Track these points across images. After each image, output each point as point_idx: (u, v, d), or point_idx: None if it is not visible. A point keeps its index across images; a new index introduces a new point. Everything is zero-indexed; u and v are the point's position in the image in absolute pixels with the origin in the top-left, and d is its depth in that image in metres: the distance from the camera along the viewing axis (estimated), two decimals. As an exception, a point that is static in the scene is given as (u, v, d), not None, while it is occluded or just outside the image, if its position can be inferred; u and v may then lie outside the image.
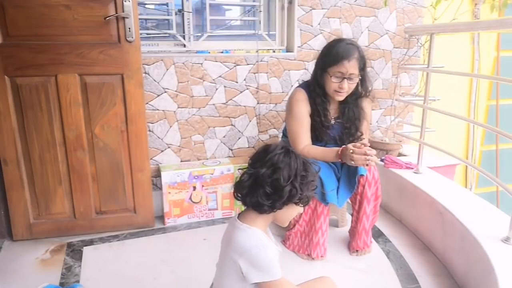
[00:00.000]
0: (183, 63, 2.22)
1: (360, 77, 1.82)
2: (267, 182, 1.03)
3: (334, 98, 1.87)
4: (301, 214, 1.85)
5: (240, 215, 1.13)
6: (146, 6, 2.29)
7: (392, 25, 2.60)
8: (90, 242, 2.02)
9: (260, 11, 2.41)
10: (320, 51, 1.90)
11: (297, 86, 1.98)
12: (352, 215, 1.93)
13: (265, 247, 1.05)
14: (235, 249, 1.07)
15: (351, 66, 1.76)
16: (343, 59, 1.76)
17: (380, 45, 2.61)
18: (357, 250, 1.92)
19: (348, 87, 1.80)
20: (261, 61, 2.36)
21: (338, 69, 1.77)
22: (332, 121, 1.94)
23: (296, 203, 1.09)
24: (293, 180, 1.04)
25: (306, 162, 1.10)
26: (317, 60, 1.90)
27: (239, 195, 1.10)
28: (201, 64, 2.25)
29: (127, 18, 1.86)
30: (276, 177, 1.03)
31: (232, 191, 1.12)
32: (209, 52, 2.31)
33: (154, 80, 2.20)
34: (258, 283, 1.06)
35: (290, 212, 1.12)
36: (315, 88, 1.88)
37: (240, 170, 1.15)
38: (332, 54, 1.79)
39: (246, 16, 2.52)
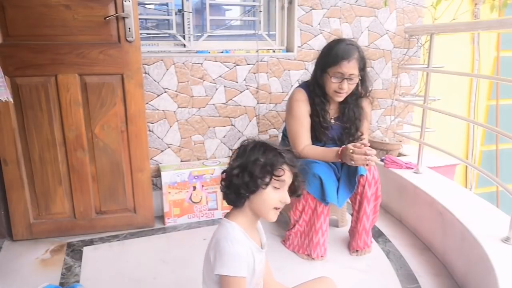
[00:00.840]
0: (183, 63, 2.22)
1: (360, 77, 1.82)
2: (224, 176, 1.11)
3: (333, 99, 1.87)
4: (301, 213, 1.85)
5: (227, 213, 1.17)
6: (146, 6, 2.29)
7: (392, 25, 2.60)
8: (90, 242, 2.02)
9: (260, 11, 2.41)
10: (320, 51, 1.90)
11: (297, 86, 1.98)
12: (352, 215, 1.93)
13: (234, 241, 1.05)
14: (211, 241, 1.12)
15: (351, 67, 1.76)
16: (343, 59, 1.75)
17: (380, 45, 2.61)
18: (357, 250, 1.92)
19: (348, 87, 1.80)
20: (261, 61, 2.36)
21: (338, 69, 1.77)
22: (332, 121, 1.94)
23: (256, 188, 1.07)
24: (243, 167, 1.07)
25: (268, 146, 1.11)
26: (317, 61, 1.90)
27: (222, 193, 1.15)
28: (201, 64, 2.25)
29: (127, 18, 1.86)
30: (230, 169, 1.09)
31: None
32: (209, 52, 2.31)
33: (154, 80, 2.20)
34: (219, 276, 1.05)
35: (262, 201, 1.10)
36: (314, 89, 1.88)
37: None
38: (332, 55, 1.79)
39: (246, 16, 2.52)
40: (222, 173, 1.14)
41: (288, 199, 1.13)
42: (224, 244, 1.05)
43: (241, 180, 1.07)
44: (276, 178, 1.08)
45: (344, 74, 1.77)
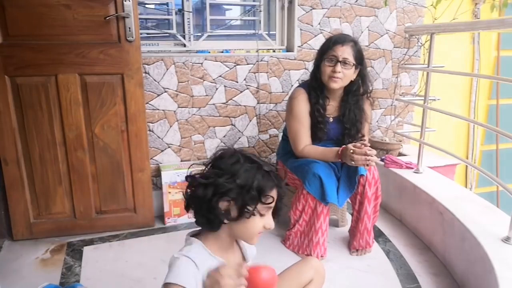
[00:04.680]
0: (183, 62, 2.22)
1: (355, 66, 1.82)
2: (201, 200, 0.95)
3: (329, 86, 1.85)
4: (301, 213, 1.85)
5: (194, 231, 1.08)
6: (146, 5, 2.29)
7: (392, 25, 2.60)
8: (90, 242, 2.02)
9: (260, 11, 2.40)
10: None
11: (297, 86, 1.98)
12: (352, 214, 1.93)
13: (183, 258, 0.95)
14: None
15: (344, 51, 1.78)
16: (336, 43, 1.80)
17: (380, 45, 2.61)
18: (357, 250, 1.92)
19: (342, 73, 1.80)
20: (261, 61, 2.36)
21: (331, 52, 1.80)
22: (331, 119, 1.94)
23: (245, 217, 0.95)
24: (225, 193, 0.93)
25: (254, 162, 0.98)
26: (315, 57, 1.91)
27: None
28: (201, 64, 2.25)
29: (127, 17, 1.86)
30: (206, 193, 0.94)
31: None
32: (209, 52, 2.31)
33: (154, 80, 2.20)
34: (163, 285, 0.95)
35: (246, 228, 0.98)
36: (312, 82, 1.89)
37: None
38: (327, 42, 1.85)
39: (246, 16, 2.52)
40: (190, 186, 0.98)
41: (272, 225, 1.00)
42: (174, 258, 0.96)
43: (220, 205, 0.94)
44: (266, 205, 0.96)
45: (337, 57, 1.79)
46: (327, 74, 1.82)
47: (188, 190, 1.00)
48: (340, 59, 1.78)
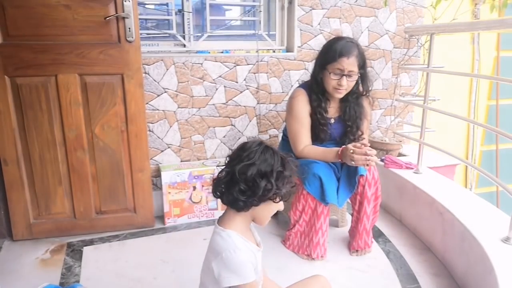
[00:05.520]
0: (183, 63, 2.22)
1: (359, 75, 1.82)
2: (242, 178, 1.03)
3: (333, 96, 1.87)
4: (301, 213, 1.85)
5: (220, 217, 1.13)
6: (146, 6, 2.29)
7: (392, 25, 2.60)
8: (90, 242, 2.02)
9: (260, 11, 2.41)
10: (320, 50, 1.91)
11: (298, 86, 1.98)
12: (352, 215, 1.93)
13: (236, 250, 1.04)
14: (210, 252, 1.10)
15: (350, 63, 1.77)
16: (342, 56, 1.76)
17: (380, 45, 2.61)
18: (357, 250, 1.92)
19: (347, 84, 1.80)
20: (261, 61, 2.36)
21: (337, 65, 1.78)
22: (332, 120, 1.94)
23: (273, 200, 1.07)
24: (268, 175, 1.03)
25: (284, 158, 1.09)
26: (316, 58, 1.91)
27: (217, 192, 1.09)
28: (201, 64, 2.25)
29: (127, 18, 1.86)
30: (251, 173, 1.02)
31: (211, 189, 1.12)
32: (209, 52, 2.31)
33: (154, 80, 2.20)
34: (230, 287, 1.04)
35: (268, 210, 1.10)
36: (312, 85, 1.89)
37: (219, 167, 1.12)
38: (331, 52, 1.80)
39: (246, 16, 2.52)
40: (226, 172, 1.07)
41: (282, 207, 1.13)
42: (228, 255, 1.03)
43: (261, 189, 1.02)
44: (290, 189, 1.09)
45: (343, 71, 1.78)
46: (332, 85, 1.82)
47: (227, 169, 1.08)
48: (346, 73, 1.78)
